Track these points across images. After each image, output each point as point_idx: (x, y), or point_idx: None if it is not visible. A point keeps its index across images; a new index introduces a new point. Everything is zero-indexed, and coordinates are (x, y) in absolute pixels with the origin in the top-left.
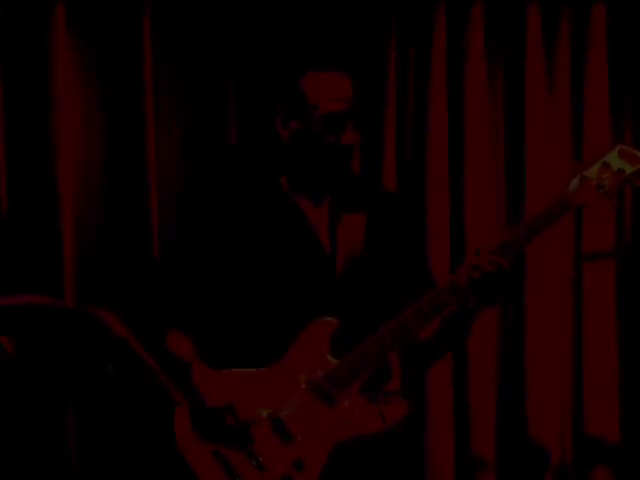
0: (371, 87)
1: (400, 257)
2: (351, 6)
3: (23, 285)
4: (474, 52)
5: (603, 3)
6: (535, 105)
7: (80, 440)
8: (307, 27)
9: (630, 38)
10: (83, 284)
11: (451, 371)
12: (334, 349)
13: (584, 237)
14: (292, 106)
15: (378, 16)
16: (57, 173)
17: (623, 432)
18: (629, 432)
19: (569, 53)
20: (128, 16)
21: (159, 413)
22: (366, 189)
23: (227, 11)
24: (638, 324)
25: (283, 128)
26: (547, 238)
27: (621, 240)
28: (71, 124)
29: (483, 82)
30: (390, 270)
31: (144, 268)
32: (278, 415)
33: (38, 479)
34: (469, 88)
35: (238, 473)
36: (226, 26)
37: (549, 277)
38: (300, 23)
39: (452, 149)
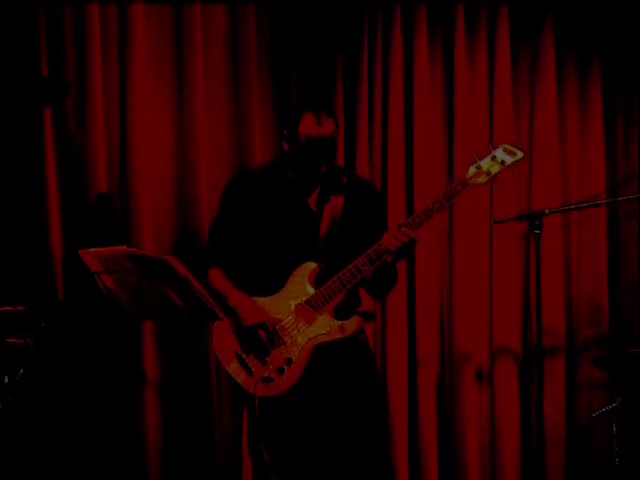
0: (349, 88)
1: (365, 225)
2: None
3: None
4: (420, 54)
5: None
6: (462, 95)
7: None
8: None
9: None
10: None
11: (406, 299)
12: (315, 284)
13: (495, 208)
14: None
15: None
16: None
17: (523, 342)
18: (525, 342)
19: (486, 56)
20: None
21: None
22: (345, 176)
23: None
24: (530, 268)
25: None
26: (470, 210)
27: (521, 209)
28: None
29: (427, 80)
30: (357, 233)
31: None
32: (276, 327)
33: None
34: (417, 85)
35: (250, 367)
36: None
37: (471, 235)
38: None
39: (407, 135)
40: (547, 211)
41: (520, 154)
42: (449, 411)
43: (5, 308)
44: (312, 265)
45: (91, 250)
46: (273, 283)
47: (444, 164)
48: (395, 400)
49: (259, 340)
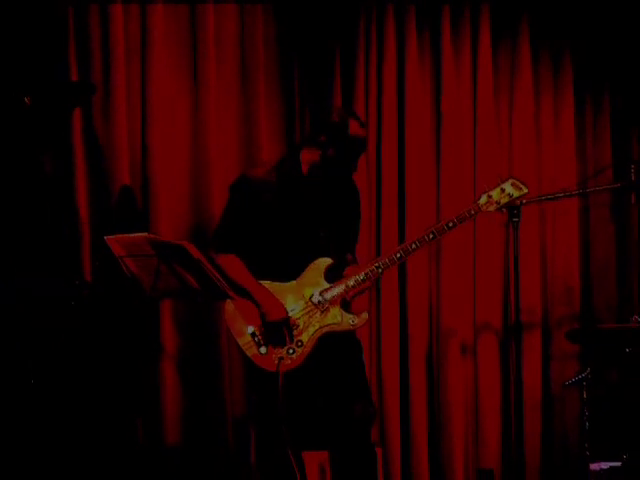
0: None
1: (355, 221)
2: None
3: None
4: (410, 52)
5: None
6: (449, 90)
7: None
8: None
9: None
10: (175, 233)
11: (397, 282)
12: (327, 277)
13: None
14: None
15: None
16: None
17: (503, 319)
18: (505, 319)
19: (470, 52)
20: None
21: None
22: (344, 177)
23: None
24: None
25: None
26: (455, 200)
27: None
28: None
29: (418, 77)
30: (352, 228)
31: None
32: (289, 313)
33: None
34: (409, 84)
35: (261, 344)
36: None
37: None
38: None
39: (399, 131)
40: (524, 201)
41: (525, 190)
42: (437, 380)
43: None
44: (328, 260)
45: (115, 236)
46: (289, 272)
47: (433, 154)
48: (388, 371)
49: (281, 334)
